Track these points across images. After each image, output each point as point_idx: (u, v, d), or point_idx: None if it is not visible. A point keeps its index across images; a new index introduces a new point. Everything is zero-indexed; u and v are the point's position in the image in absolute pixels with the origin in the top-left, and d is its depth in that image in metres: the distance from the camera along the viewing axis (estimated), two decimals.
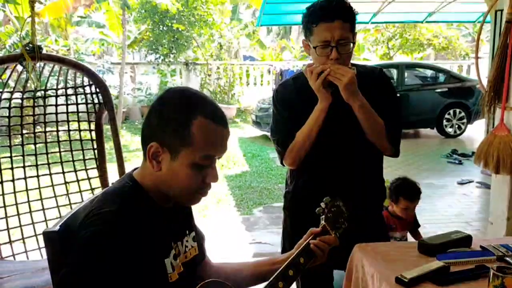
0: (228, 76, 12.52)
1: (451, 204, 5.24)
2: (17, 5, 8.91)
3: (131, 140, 8.99)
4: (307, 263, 1.39)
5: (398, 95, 1.99)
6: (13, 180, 2.77)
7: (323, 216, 1.46)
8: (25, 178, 2.84)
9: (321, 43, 1.72)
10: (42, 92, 2.93)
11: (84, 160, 2.96)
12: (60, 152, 3.02)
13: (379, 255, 1.62)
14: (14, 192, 2.78)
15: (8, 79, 2.85)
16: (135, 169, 1.26)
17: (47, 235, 1.18)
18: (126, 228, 1.08)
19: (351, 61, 1.89)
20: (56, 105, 2.97)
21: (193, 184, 1.18)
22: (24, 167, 2.86)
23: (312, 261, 1.40)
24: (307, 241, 1.42)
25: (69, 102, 3.01)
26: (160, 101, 1.18)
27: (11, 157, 2.79)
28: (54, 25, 11.21)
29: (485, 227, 4.16)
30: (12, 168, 2.71)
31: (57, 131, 3.07)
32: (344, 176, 1.85)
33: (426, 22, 11.50)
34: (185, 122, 1.13)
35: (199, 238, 1.44)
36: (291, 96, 1.90)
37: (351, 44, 1.74)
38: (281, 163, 1.95)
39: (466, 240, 1.69)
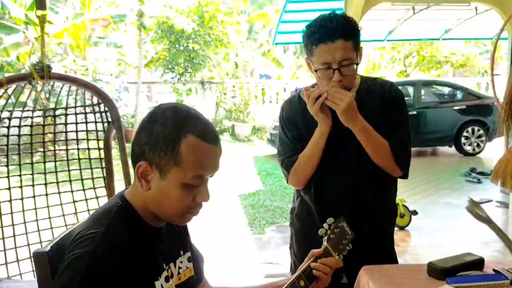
0: (244, 94, 12.56)
1: (469, 224, 5.06)
2: (37, 26, 9.12)
3: None
4: (308, 286, 1.33)
5: (408, 112, 1.87)
6: (21, 199, 2.77)
7: (326, 237, 1.41)
8: (34, 196, 2.84)
9: (322, 66, 1.64)
10: (52, 111, 2.95)
11: (93, 178, 2.95)
12: (69, 170, 3.02)
13: (387, 278, 1.55)
14: (23, 211, 2.78)
15: (18, 98, 2.86)
16: (127, 187, 1.23)
17: (37, 256, 1.15)
18: (112, 250, 1.04)
19: (361, 75, 1.83)
20: (66, 124, 2.99)
21: (183, 204, 1.14)
22: (33, 185, 2.86)
23: (313, 284, 1.34)
24: (307, 263, 1.37)
25: (79, 121, 3.02)
26: (149, 118, 1.14)
27: (20, 175, 2.79)
28: (73, 45, 11.42)
29: (505, 248, 4.02)
30: (21, 187, 2.70)
31: (67, 149, 3.08)
32: (350, 196, 1.78)
33: (443, 39, 11.45)
34: (174, 141, 1.09)
35: (195, 259, 1.39)
36: (297, 115, 1.83)
37: (355, 65, 1.66)
38: (287, 182, 1.90)
39: (478, 263, 1.61)
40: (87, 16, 10.42)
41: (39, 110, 3.06)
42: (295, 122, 1.83)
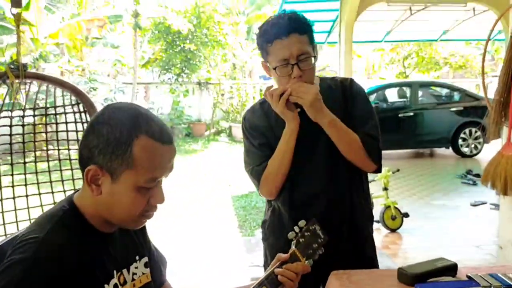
0: (241, 95, 12.51)
1: (462, 226, 5.03)
2: (32, 26, 9.11)
3: None
4: None
5: (373, 106, 1.80)
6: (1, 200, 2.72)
7: (294, 241, 1.36)
8: (13, 198, 2.80)
9: (280, 63, 1.59)
10: (31, 111, 2.90)
11: (73, 180, 2.90)
12: (49, 171, 2.97)
13: (354, 283, 1.49)
14: (2, 212, 2.73)
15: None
16: (77, 190, 1.17)
17: None
18: (50, 257, 0.99)
19: (317, 75, 1.76)
20: (46, 124, 2.94)
21: (137, 207, 1.09)
22: (13, 186, 2.81)
23: None
24: (272, 268, 1.31)
25: (61, 121, 2.97)
26: (98, 119, 1.07)
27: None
28: (70, 46, 11.41)
29: (498, 251, 3.96)
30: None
31: (47, 150, 3.03)
32: (324, 197, 1.71)
33: (441, 40, 11.40)
34: (126, 142, 1.03)
35: (155, 264, 1.33)
36: (261, 122, 1.75)
37: (313, 58, 1.62)
38: (259, 193, 1.82)
39: (451, 268, 1.55)
40: (83, 16, 10.38)
41: (18, 110, 3.01)
42: (261, 130, 1.74)
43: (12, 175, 2.86)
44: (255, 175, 1.74)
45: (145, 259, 1.28)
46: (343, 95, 1.73)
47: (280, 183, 1.71)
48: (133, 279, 1.21)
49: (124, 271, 1.18)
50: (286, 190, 1.73)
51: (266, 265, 1.90)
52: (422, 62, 15.65)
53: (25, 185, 2.87)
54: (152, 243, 1.37)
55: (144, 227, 1.32)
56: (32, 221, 1.15)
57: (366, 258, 1.84)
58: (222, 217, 5.43)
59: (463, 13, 9.00)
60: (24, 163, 2.92)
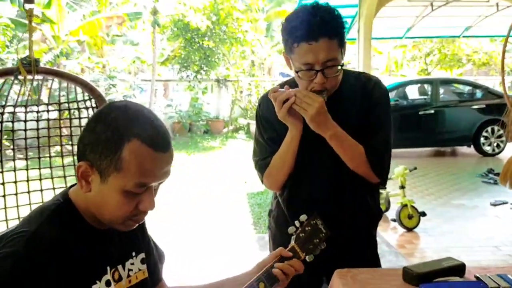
0: (260, 92, 12.49)
1: (481, 226, 4.92)
2: (54, 24, 9.24)
3: None
4: None
5: (391, 115, 1.70)
6: (16, 194, 2.75)
7: (294, 236, 1.33)
8: (28, 191, 2.83)
9: (304, 66, 1.49)
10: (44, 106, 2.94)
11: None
12: (63, 166, 3.00)
13: (358, 283, 1.46)
14: (17, 206, 2.77)
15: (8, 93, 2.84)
16: (74, 185, 1.16)
17: None
18: (39, 251, 0.98)
19: (345, 68, 1.66)
20: (60, 119, 2.97)
21: (123, 211, 1.06)
22: (28, 180, 2.85)
23: (274, 286, 1.26)
24: (271, 263, 1.29)
25: (72, 117, 3.00)
26: (95, 117, 1.05)
27: (15, 170, 2.78)
28: (91, 43, 11.55)
29: None
30: (3, 184, 2.69)
31: (61, 145, 3.06)
32: (326, 198, 1.68)
33: (463, 36, 11.20)
34: (116, 144, 1.00)
35: (152, 260, 1.32)
36: (273, 115, 1.66)
37: (339, 66, 1.50)
38: (262, 183, 1.80)
39: (459, 268, 1.50)
40: (102, 14, 10.50)
41: (32, 105, 3.05)
42: (272, 123, 1.70)
43: (26, 169, 2.90)
44: (259, 169, 1.74)
45: (142, 255, 1.26)
46: (362, 96, 1.64)
47: (283, 179, 1.70)
48: (128, 275, 1.19)
49: (119, 267, 1.17)
50: (292, 185, 1.71)
51: (270, 251, 1.90)
52: (445, 59, 15.39)
53: (40, 179, 2.91)
54: (152, 239, 1.35)
55: (143, 223, 1.30)
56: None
57: (368, 258, 1.80)
58: (237, 214, 5.42)
59: (486, 9, 8.80)
60: (39, 158, 2.96)
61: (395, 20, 9.39)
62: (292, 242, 1.32)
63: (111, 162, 1.01)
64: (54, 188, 2.87)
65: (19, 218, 2.73)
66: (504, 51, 3.64)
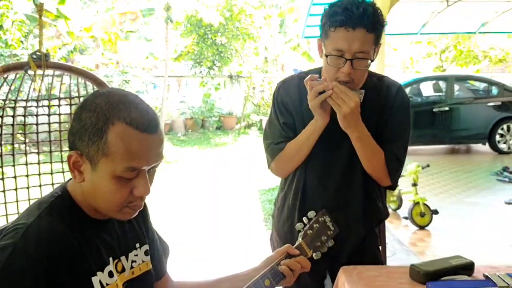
0: (272, 89, 12.46)
1: (495, 225, 4.85)
2: (68, 19, 9.30)
3: (171, 151, 9.08)
4: (273, 286, 1.24)
5: (410, 121, 1.70)
6: (28, 187, 2.78)
7: (302, 233, 1.32)
8: (40, 186, 2.86)
9: (335, 52, 1.48)
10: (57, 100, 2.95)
11: None
12: None
13: (364, 280, 1.44)
14: (29, 200, 2.79)
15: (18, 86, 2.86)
16: (71, 178, 1.16)
17: None
18: (38, 242, 0.98)
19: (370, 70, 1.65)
20: (71, 114, 2.98)
21: (117, 198, 1.05)
22: (39, 174, 2.88)
23: (280, 283, 1.25)
24: (277, 260, 1.28)
25: None
26: (81, 105, 1.05)
27: (27, 164, 2.81)
28: (105, 39, 11.62)
29: None
30: (15, 177, 2.71)
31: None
32: (336, 195, 1.67)
33: (480, 33, 11.00)
34: (102, 129, 0.99)
35: (156, 252, 1.31)
36: (292, 101, 1.68)
37: (369, 60, 1.50)
38: (269, 168, 1.79)
39: (467, 267, 1.48)
40: (116, 10, 10.55)
41: (43, 99, 3.07)
42: (290, 109, 1.68)
43: (51, 162, 2.92)
44: (270, 152, 1.72)
45: (146, 246, 1.26)
46: (385, 101, 1.65)
47: (291, 168, 1.70)
48: (132, 267, 1.19)
49: (123, 258, 1.17)
50: (301, 179, 1.70)
51: (271, 240, 1.95)
52: (460, 55, 15.18)
53: (63, 172, 2.94)
54: (155, 231, 1.35)
55: (146, 215, 1.31)
56: None
57: (370, 255, 1.78)
58: (248, 210, 5.42)
59: (503, 4, 8.64)
60: (51, 152, 2.98)
61: (410, 16, 9.27)
62: (300, 239, 1.31)
63: (98, 147, 1.00)
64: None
65: None
66: None
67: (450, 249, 4.13)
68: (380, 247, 1.86)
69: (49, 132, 3.00)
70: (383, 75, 1.78)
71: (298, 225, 1.33)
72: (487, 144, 9.23)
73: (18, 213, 2.73)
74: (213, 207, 5.69)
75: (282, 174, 1.75)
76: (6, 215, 2.66)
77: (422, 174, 5.22)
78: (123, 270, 1.16)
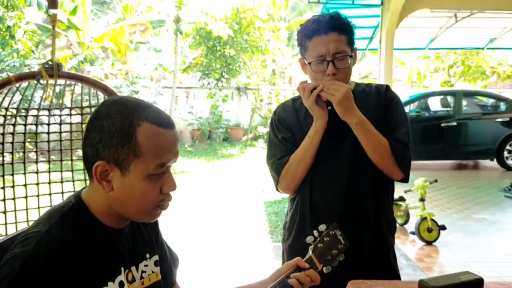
0: (280, 101, 12.50)
1: (503, 241, 4.81)
2: (79, 30, 9.43)
3: (178, 162, 9.07)
4: None
5: (407, 115, 1.76)
6: (38, 195, 2.80)
7: (312, 246, 1.31)
8: (50, 194, 2.88)
9: (316, 58, 1.60)
10: (68, 110, 2.98)
11: None
12: (85, 171, 3.03)
13: None
14: (38, 208, 2.81)
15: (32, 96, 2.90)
16: (84, 187, 1.17)
17: None
18: (51, 251, 0.99)
19: (355, 81, 1.77)
20: (82, 124, 3.01)
21: (151, 197, 1.07)
22: (49, 183, 2.90)
23: None
24: (286, 273, 1.28)
25: None
26: (96, 116, 1.06)
27: (37, 172, 2.84)
28: (115, 50, 11.74)
29: None
30: (25, 185, 2.73)
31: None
32: (345, 199, 1.67)
33: (488, 48, 11.02)
34: (129, 131, 1.02)
35: (166, 262, 1.32)
36: (290, 117, 1.76)
37: (349, 58, 1.61)
38: (277, 189, 1.81)
39: (476, 283, 1.47)
40: (126, 21, 10.67)
41: (55, 109, 3.11)
42: (288, 125, 1.76)
43: (49, 172, 2.95)
44: (275, 169, 1.75)
45: (156, 257, 1.26)
46: (377, 101, 1.71)
47: (299, 179, 1.70)
48: (141, 277, 1.19)
49: (133, 268, 1.17)
50: (307, 189, 1.71)
51: (283, 257, 1.89)
52: (468, 71, 15.17)
53: (61, 182, 2.96)
54: (165, 242, 1.36)
55: (157, 225, 1.32)
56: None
57: (390, 268, 1.78)
58: (254, 222, 5.41)
59: (511, 20, 8.67)
60: (61, 160, 3.01)
61: (418, 31, 9.31)
62: (310, 253, 1.30)
63: (128, 150, 1.02)
64: (75, 191, 2.91)
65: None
66: None
67: (458, 265, 4.10)
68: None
69: (60, 141, 3.04)
70: (369, 83, 1.84)
71: (309, 238, 1.32)
72: (495, 160, 9.19)
73: (27, 221, 2.75)
74: (218, 219, 5.69)
75: (291, 188, 1.74)
76: (16, 222, 2.69)
77: (429, 189, 5.19)
78: (133, 280, 1.17)
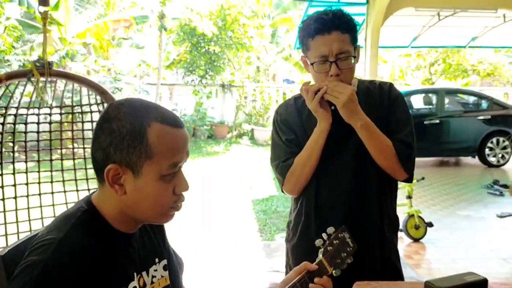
0: (264, 98, 12.50)
1: (488, 238, 4.89)
2: (61, 26, 9.25)
3: None
4: None
5: (410, 114, 1.75)
6: (27, 196, 2.74)
7: (322, 250, 1.30)
8: (39, 194, 2.82)
9: (318, 59, 1.57)
10: (58, 109, 2.92)
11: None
12: (74, 170, 2.99)
13: None
14: (28, 208, 2.76)
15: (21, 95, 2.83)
16: (94, 191, 1.15)
17: None
18: (68, 258, 0.97)
19: (358, 78, 1.75)
20: (72, 123, 2.96)
21: (165, 198, 1.06)
22: (39, 183, 2.85)
23: None
24: (299, 279, 1.26)
25: (85, 120, 2.99)
26: (105, 118, 1.04)
27: (26, 172, 2.78)
28: (97, 46, 11.57)
29: None
30: (14, 185, 2.68)
31: (73, 148, 3.06)
32: (350, 200, 1.67)
33: (469, 47, 11.19)
34: (139, 133, 1.01)
35: (173, 267, 1.30)
36: (293, 118, 1.74)
37: (353, 58, 1.59)
38: (282, 190, 1.80)
39: (481, 284, 1.48)
40: (109, 17, 10.52)
41: (45, 107, 3.04)
42: (291, 125, 1.73)
43: (38, 172, 2.89)
44: (280, 171, 1.73)
45: (164, 261, 1.25)
46: (380, 99, 1.69)
47: (305, 181, 1.69)
48: (152, 282, 1.18)
49: (144, 273, 1.16)
50: (312, 189, 1.71)
51: (287, 266, 1.88)
52: (449, 69, 15.39)
53: (51, 182, 2.91)
54: (171, 246, 1.35)
55: (163, 230, 1.31)
56: (49, 220, 1.14)
57: (393, 268, 1.78)
58: (242, 220, 5.40)
59: (493, 20, 8.81)
60: (51, 160, 2.95)
61: (402, 29, 9.40)
62: (320, 256, 1.29)
63: (140, 151, 1.01)
64: (65, 191, 2.87)
65: (29, 220, 2.72)
66: None
67: (446, 262, 4.17)
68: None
69: (50, 140, 2.98)
70: (373, 79, 1.83)
71: (318, 241, 1.31)
72: (476, 157, 9.34)
73: (5, 223, 2.68)
74: (206, 217, 5.66)
75: (297, 190, 1.73)
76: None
77: (414, 186, 5.26)
78: (145, 285, 1.15)
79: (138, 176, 1.03)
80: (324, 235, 1.31)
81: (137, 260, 1.14)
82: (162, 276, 1.23)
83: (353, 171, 1.66)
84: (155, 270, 1.20)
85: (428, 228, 4.77)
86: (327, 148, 1.65)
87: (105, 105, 2.77)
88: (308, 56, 1.62)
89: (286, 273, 1.89)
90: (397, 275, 1.78)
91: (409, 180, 1.70)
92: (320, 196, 1.71)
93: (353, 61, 1.60)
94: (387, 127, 1.64)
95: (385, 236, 1.74)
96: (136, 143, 1.01)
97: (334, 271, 1.29)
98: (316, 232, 1.67)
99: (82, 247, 1.00)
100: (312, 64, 1.60)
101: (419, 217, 4.75)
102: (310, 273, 1.27)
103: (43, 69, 2.48)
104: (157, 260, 1.22)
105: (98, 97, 2.78)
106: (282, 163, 1.72)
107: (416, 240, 4.72)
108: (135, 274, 1.12)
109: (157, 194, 1.04)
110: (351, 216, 1.64)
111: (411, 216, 4.74)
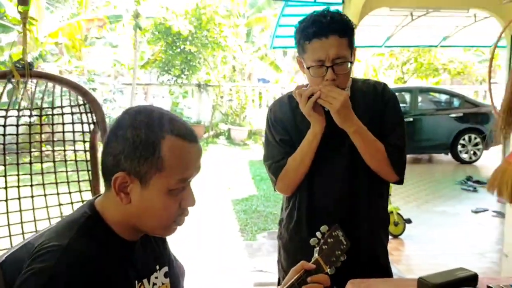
0: (240, 98, 12.49)
1: (464, 233, 5.02)
2: (33, 25, 9.03)
3: None
4: None
5: (403, 115, 1.79)
6: (6, 200, 2.68)
7: (317, 248, 1.31)
8: (19, 198, 2.76)
9: (315, 63, 1.56)
10: (37, 111, 2.86)
11: (79, 181, 2.86)
12: (55, 172, 2.92)
13: None
14: (7, 212, 2.69)
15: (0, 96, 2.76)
16: (98, 196, 1.13)
17: None
18: (73, 266, 0.95)
19: (353, 76, 1.75)
20: (52, 124, 2.90)
21: (169, 212, 1.05)
22: (18, 187, 2.78)
23: None
24: (297, 278, 1.27)
25: (66, 121, 2.93)
26: (119, 125, 1.03)
27: (5, 176, 2.71)
28: (69, 46, 11.35)
29: (501, 259, 3.95)
30: (6, 188, 2.61)
31: (53, 151, 2.99)
32: (342, 202, 1.69)
33: (441, 46, 11.40)
34: (153, 144, 0.99)
35: (174, 274, 1.30)
36: (286, 117, 1.74)
37: (349, 63, 1.59)
38: (274, 189, 1.81)
39: (472, 279, 1.53)
40: (82, 16, 10.33)
41: (25, 109, 2.97)
42: (285, 124, 1.73)
43: (4, 176, 2.82)
44: (273, 171, 1.73)
45: (165, 268, 1.24)
46: (374, 99, 1.70)
47: (298, 181, 1.70)
48: None
49: (145, 281, 1.15)
50: (305, 189, 1.72)
51: (279, 263, 1.90)
52: (421, 68, 15.67)
53: (31, 185, 2.84)
54: (171, 252, 1.34)
55: (165, 237, 1.29)
56: (48, 227, 1.12)
57: (381, 266, 1.82)
58: (222, 221, 5.40)
59: (464, 19, 9.00)
60: (30, 163, 2.88)
61: (376, 29, 9.52)
62: (316, 255, 1.30)
63: (151, 163, 1.00)
64: (45, 195, 2.81)
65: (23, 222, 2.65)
66: (491, 62, 3.74)
67: (425, 258, 4.26)
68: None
69: (30, 142, 2.91)
70: (367, 78, 1.85)
71: (313, 240, 1.32)
72: (449, 154, 9.56)
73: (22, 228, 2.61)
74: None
75: (289, 190, 1.75)
76: None
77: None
78: None
79: (145, 187, 1.01)
80: (318, 234, 1.32)
81: (139, 267, 1.13)
82: (163, 283, 1.22)
83: (345, 172, 1.68)
84: (156, 278, 1.19)
85: (407, 225, 4.86)
86: (320, 149, 1.66)
87: (87, 106, 2.73)
88: (304, 58, 1.61)
89: (278, 269, 1.91)
90: (387, 272, 1.82)
91: (400, 182, 1.74)
92: (313, 196, 1.72)
93: (349, 66, 1.59)
94: (379, 128, 1.66)
95: (375, 235, 1.78)
96: (148, 154, 0.99)
97: (329, 270, 1.30)
98: (308, 230, 1.69)
99: (86, 255, 0.99)
100: (308, 68, 1.59)
101: (398, 214, 4.83)
102: (308, 273, 1.28)
103: (24, 70, 2.42)
104: (158, 267, 1.21)
105: (80, 98, 2.73)
106: (275, 163, 1.73)
107: (396, 236, 4.80)
108: (136, 281, 1.11)
109: (163, 207, 1.03)
110: (343, 215, 1.67)
111: (390, 213, 4.82)
